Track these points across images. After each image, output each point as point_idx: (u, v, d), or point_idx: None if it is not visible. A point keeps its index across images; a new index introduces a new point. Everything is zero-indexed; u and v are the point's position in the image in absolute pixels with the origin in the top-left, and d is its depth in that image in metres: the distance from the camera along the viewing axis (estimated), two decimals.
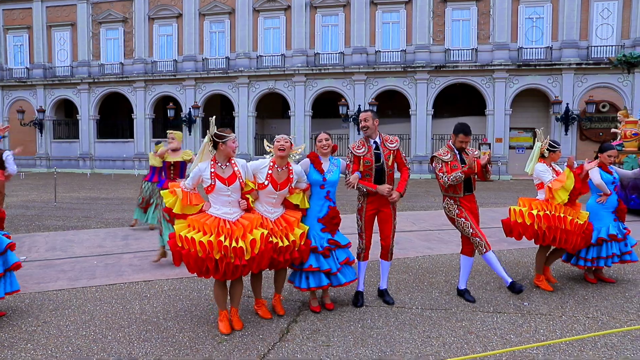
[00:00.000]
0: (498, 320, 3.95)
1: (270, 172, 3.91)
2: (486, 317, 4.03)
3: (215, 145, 3.70)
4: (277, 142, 3.96)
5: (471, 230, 4.30)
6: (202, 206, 3.71)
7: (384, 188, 4.19)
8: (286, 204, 4.06)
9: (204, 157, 3.76)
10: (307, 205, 4.11)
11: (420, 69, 20.94)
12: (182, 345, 3.52)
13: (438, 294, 4.68)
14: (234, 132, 3.84)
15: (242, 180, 3.72)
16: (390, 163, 4.29)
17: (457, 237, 7.53)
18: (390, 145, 4.33)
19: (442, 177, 4.31)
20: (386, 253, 4.43)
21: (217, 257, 3.47)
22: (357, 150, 4.29)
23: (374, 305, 4.34)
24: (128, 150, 24.47)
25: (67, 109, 26.33)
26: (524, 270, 5.49)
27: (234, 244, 3.48)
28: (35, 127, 25.34)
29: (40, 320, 3.98)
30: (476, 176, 4.38)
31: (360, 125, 4.32)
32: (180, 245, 3.59)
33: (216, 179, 3.62)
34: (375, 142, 4.29)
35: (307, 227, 4.04)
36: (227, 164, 3.72)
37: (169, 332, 3.75)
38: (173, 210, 3.70)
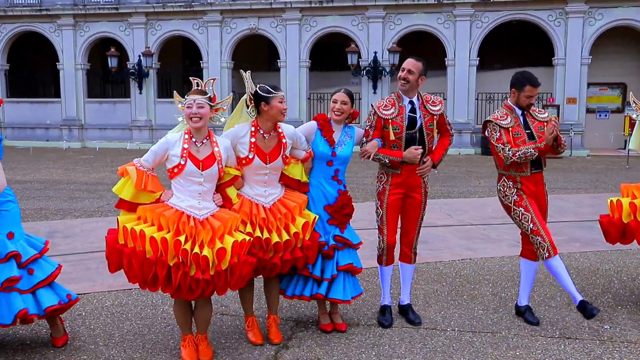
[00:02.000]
0: (567, 349, 3.99)
1: (253, 139, 3.91)
2: (550, 345, 4.07)
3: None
4: (280, 102, 3.90)
5: (531, 225, 4.28)
6: (160, 195, 3.70)
7: (412, 153, 4.23)
8: (285, 180, 4.09)
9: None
10: (305, 179, 4.16)
11: (462, 0, 20.73)
12: None
13: (482, 311, 4.73)
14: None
15: (222, 166, 3.73)
16: (431, 132, 4.35)
17: (509, 234, 7.56)
18: (433, 108, 4.38)
19: (504, 150, 4.27)
20: (408, 253, 4.48)
21: (172, 264, 3.45)
22: (383, 111, 4.30)
23: (394, 326, 4.39)
24: (53, 114, 24.40)
25: None
26: (603, 280, 5.54)
27: (196, 249, 3.44)
28: None
29: None
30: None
31: (400, 75, 4.30)
32: (122, 242, 3.57)
33: (188, 159, 3.62)
34: (411, 102, 4.33)
35: (315, 215, 4.06)
36: (205, 140, 3.73)
37: None
38: (120, 196, 3.67)
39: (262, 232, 3.77)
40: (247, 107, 3.99)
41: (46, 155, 19.89)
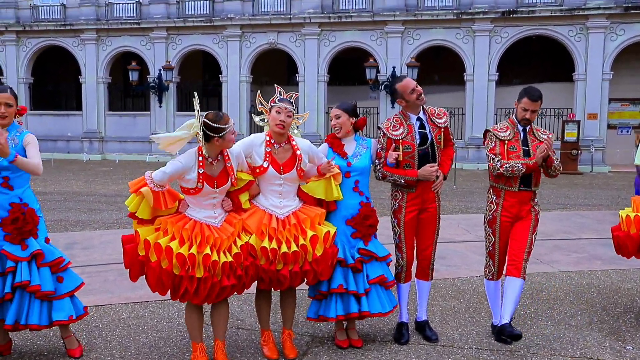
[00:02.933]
0: None
1: (268, 149, 3.93)
2: None
3: (207, 138, 3.64)
4: (277, 113, 3.93)
5: (490, 248, 4.44)
6: (178, 206, 3.74)
7: (427, 170, 4.19)
8: (304, 197, 4.06)
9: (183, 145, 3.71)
10: (337, 195, 4.06)
11: (481, 15, 20.72)
12: None
13: None
14: (223, 105, 3.81)
15: (234, 179, 3.78)
16: (440, 144, 4.34)
17: None
18: (439, 121, 4.38)
19: (493, 160, 4.29)
20: (426, 269, 4.45)
21: (200, 276, 3.54)
22: (392, 132, 4.28)
23: (411, 343, 4.34)
24: (74, 126, 24.78)
25: None
26: (626, 300, 5.43)
27: (223, 258, 3.56)
28: None
29: None
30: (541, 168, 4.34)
31: (416, 96, 4.23)
32: (143, 254, 3.62)
33: (205, 183, 3.66)
34: (419, 119, 4.31)
35: (333, 228, 4.02)
36: (219, 157, 3.76)
37: None
38: (139, 216, 3.64)
39: (270, 242, 3.76)
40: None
41: (67, 166, 20.16)
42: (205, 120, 3.61)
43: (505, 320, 4.22)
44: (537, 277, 6.14)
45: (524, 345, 4.31)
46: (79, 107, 25.30)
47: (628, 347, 4.29)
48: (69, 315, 3.92)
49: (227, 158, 3.77)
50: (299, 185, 4.09)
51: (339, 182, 4.10)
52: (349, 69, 23.42)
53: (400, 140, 4.23)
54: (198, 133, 3.60)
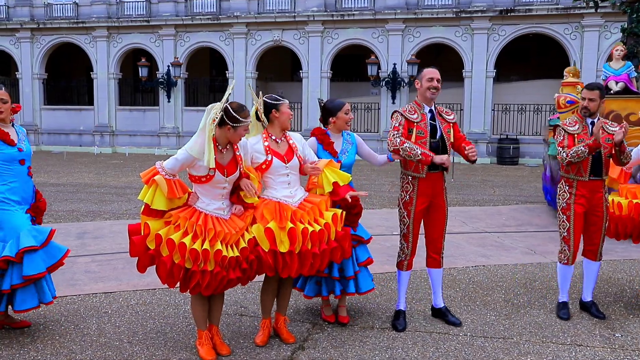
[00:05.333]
0: (578, 357, 3.93)
1: (267, 143, 3.96)
2: (561, 351, 4.01)
3: (220, 123, 3.59)
4: (288, 108, 4.01)
5: (565, 234, 4.58)
6: (187, 198, 3.70)
7: (442, 157, 4.13)
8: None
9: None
10: (343, 179, 4.09)
11: (479, 14, 20.61)
12: None
13: (495, 317, 4.68)
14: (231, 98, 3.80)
15: (242, 169, 3.79)
16: (449, 138, 4.38)
17: (523, 241, 7.48)
18: (448, 117, 4.47)
19: (560, 152, 4.50)
20: (437, 258, 4.54)
21: (211, 269, 3.54)
22: (409, 115, 4.30)
23: (408, 330, 4.37)
24: (86, 120, 24.80)
25: (1, 64, 26.72)
26: (616, 289, 5.43)
27: (231, 252, 3.58)
28: None
29: None
30: (610, 157, 4.51)
31: (432, 84, 4.25)
32: (153, 247, 3.57)
33: (216, 170, 3.64)
34: (431, 111, 4.36)
35: (340, 211, 4.01)
36: (228, 146, 3.75)
37: None
38: (154, 207, 3.58)
39: (295, 224, 3.74)
40: (258, 118, 4.00)
41: (79, 159, 20.19)
42: (228, 106, 3.60)
43: (590, 298, 4.76)
44: (531, 268, 6.15)
45: (517, 332, 4.33)
46: (90, 102, 25.29)
47: (617, 335, 4.30)
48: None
49: (235, 147, 3.78)
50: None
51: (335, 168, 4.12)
52: (351, 65, 23.35)
53: (415, 124, 4.27)
54: (216, 113, 3.55)
